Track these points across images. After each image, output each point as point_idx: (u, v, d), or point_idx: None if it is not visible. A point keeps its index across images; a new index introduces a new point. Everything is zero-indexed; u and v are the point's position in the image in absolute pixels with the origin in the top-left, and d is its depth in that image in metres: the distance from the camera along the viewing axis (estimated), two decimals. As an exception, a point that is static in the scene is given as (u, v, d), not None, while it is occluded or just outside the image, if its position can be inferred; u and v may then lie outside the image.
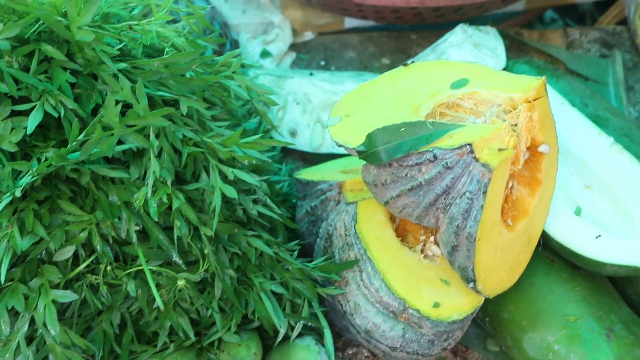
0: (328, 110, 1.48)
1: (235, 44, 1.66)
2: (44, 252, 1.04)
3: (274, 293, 1.17)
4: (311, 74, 1.55)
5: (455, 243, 1.07)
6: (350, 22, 1.72)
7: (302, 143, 1.50)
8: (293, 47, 1.71)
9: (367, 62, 1.68)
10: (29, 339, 1.04)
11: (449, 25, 1.65)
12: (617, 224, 1.19)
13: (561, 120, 1.25)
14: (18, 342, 1.01)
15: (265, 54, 1.67)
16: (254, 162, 1.10)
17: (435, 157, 1.04)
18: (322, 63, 1.68)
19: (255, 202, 1.16)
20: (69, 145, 0.95)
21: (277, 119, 1.51)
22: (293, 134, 1.50)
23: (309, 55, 1.70)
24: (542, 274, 1.22)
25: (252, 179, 1.09)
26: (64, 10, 0.97)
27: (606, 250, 1.15)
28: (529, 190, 1.12)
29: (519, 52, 1.68)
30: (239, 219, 1.15)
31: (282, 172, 1.44)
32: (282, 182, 1.41)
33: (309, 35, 1.72)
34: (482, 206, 1.03)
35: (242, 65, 1.15)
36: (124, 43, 1.04)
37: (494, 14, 1.71)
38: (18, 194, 0.97)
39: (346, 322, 1.19)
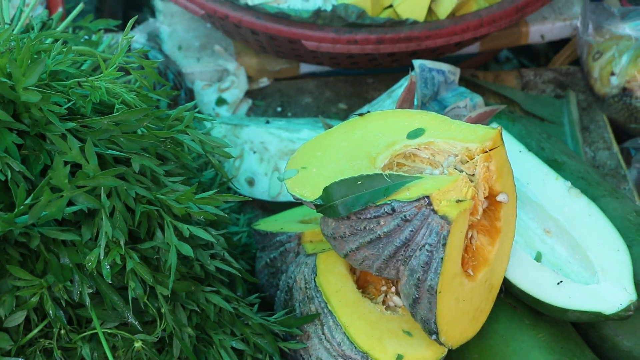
0: (285, 159, 1.46)
1: (190, 93, 1.64)
2: (-7, 319, 1.01)
3: (234, 349, 1.14)
4: (267, 122, 1.54)
5: (417, 295, 1.05)
6: (306, 68, 1.71)
7: (260, 192, 1.48)
8: (249, 93, 1.69)
9: (324, 107, 1.67)
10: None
11: (405, 69, 1.65)
12: (578, 269, 1.18)
13: (518, 166, 1.25)
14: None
15: (220, 101, 1.66)
16: (209, 217, 1.08)
17: (393, 210, 1.03)
18: (279, 109, 1.67)
19: (213, 256, 1.14)
20: (15, 210, 0.92)
21: (234, 168, 1.49)
22: (251, 182, 1.48)
23: (265, 101, 1.68)
24: (505, 320, 1.21)
25: (207, 236, 1.07)
26: (8, 70, 0.94)
27: (567, 297, 1.14)
28: (489, 239, 1.12)
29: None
30: (196, 275, 1.12)
31: (240, 222, 1.42)
32: (241, 233, 1.38)
33: (264, 82, 1.71)
34: (442, 258, 1.02)
35: (194, 118, 1.13)
36: (72, 102, 1.02)
37: (449, 57, 1.71)
38: (-36, 260, 0.94)
39: (309, 377, 1.16)
